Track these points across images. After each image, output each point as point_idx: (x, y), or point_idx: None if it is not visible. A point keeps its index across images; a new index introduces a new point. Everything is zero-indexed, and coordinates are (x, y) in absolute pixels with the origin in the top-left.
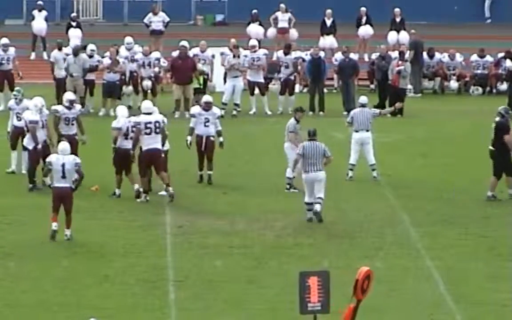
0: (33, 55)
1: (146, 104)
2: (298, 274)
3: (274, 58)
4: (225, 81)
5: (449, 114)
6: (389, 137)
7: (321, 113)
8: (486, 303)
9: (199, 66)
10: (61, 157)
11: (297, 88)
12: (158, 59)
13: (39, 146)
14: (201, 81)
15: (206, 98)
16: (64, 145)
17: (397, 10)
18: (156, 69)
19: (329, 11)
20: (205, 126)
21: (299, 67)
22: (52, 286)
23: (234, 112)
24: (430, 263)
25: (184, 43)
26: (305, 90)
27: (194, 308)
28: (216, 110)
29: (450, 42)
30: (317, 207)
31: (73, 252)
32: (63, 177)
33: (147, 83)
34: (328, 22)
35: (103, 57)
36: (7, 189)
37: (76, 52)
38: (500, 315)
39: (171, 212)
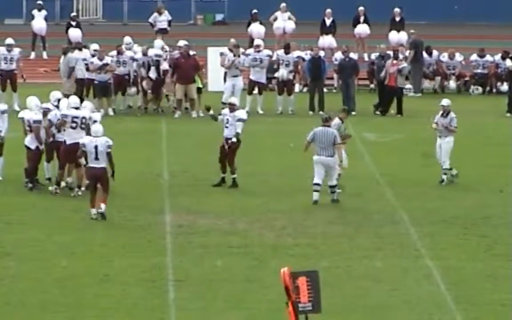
0: (32, 55)
1: (74, 99)
2: None
3: (274, 58)
4: (224, 81)
5: None
6: (389, 136)
7: (321, 112)
8: (485, 303)
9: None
10: (94, 139)
11: (297, 87)
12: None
13: (42, 146)
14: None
15: (231, 99)
16: (97, 127)
17: (396, 9)
18: None
19: (328, 10)
20: (225, 127)
21: (298, 67)
22: (52, 286)
23: None
24: (430, 263)
25: (182, 42)
26: (305, 89)
27: (194, 308)
28: (239, 113)
29: (450, 41)
30: (334, 196)
31: (72, 251)
32: (96, 158)
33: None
34: (328, 21)
35: (99, 57)
36: (7, 188)
37: (65, 52)
38: (500, 315)
39: (171, 211)
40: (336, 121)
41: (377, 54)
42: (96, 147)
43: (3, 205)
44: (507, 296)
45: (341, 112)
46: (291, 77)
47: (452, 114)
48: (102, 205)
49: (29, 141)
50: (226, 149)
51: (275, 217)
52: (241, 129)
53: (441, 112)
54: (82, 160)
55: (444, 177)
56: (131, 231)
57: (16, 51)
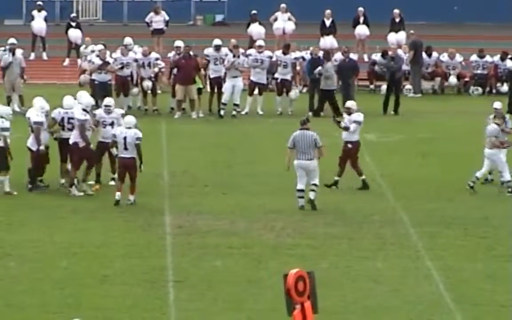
0: (32, 55)
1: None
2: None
3: (274, 59)
4: (224, 81)
5: (449, 114)
6: (389, 137)
7: (320, 113)
8: (485, 304)
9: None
10: (124, 130)
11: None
12: (157, 59)
13: (42, 148)
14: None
15: (347, 103)
16: (128, 118)
17: (396, 11)
18: (156, 69)
19: (328, 11)
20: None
21: (298, 68)
22: (52, 286)
23: (234, 112)
24: (429, 264)
25: (179, 43)
26: (305, 90)
27: (193, 309)
28: (354, 116)
29: (450, 42)
30: (311, 195)
31: (72, 252)
32: (126, 148)
33: (148, 84)
34: (328, 22)
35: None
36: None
37: (13, 51)
38: (499, 315)
39: (171, 212)
40: (492, 126)
41: (378, 54)
42: (125, 138)
43: (4, 206)
44: (507, 297)
45: (498, 118)
46: (289, 78)
47: (505, 116)
48: (131, 197)
49: (31, 142)
50: (347, 152)
51: (275, 217)
52: (353, 129)
53: (493, 114)
54: (114, 150)
55: (489, 176)
56: (131, 231)
57: (19, 52)
